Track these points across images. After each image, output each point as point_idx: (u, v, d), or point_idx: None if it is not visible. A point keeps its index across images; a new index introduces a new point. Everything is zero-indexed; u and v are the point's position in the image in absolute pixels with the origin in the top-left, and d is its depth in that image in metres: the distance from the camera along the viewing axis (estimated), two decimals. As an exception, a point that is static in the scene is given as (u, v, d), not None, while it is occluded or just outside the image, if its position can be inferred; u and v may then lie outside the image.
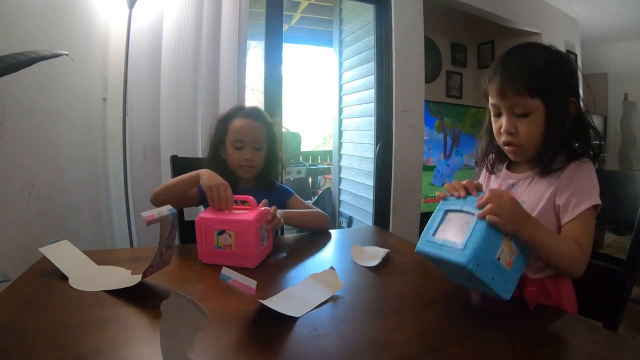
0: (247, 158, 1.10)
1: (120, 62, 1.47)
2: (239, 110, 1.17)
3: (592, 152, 0.73)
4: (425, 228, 0.67)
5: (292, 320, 0.59)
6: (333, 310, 0.64)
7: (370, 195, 2.35)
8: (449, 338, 0.55)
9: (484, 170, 0.88)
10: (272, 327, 0.57)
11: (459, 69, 3.25)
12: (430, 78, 2.99)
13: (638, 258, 0.77)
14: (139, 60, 1.50)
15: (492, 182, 0.86)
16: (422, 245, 0.65)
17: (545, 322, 0.61)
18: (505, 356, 0.52)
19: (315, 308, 0.63)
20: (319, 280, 0.73)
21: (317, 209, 1.16)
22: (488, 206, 0.61)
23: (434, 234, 0.65)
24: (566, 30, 3.29)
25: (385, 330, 0.58)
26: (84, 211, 1.34)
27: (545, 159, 0.72)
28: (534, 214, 0.73)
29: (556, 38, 3.13)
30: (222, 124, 1.15)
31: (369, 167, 2.35)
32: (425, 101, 2.30)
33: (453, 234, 0.62)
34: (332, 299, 0.67)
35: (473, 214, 0.62)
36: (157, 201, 0.99)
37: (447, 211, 0.67)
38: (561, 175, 0.72)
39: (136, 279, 0.70)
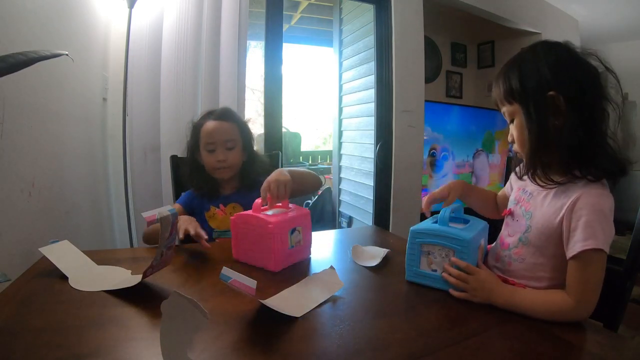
0: (220, 159, 1.11)
1: (120, 62, 1.47)
2: (209, 114, 1.17)
3: (595, 164, 0.64)
4: (408, 260, 0.75)
5: (292, 320, 0.59)
6: (333, 310, 0.64)
7: (370, 195, 2.35)
8: (449, 338, 0.55)
9: (513, 173, 0.84)
10: (272, 327, 0.57)
11: (459, 69, 3.24)
12: (430, 78, 2.99)
13: (638, 258, 0.77)
14: (139, 60, 1.50)
15: (515, 184, 0.82)
16: (412, 277, 0.75)
17: (545, 322, 0.60)
18: (506, 356, 0.52)
19: (315, 308, 0.63)
20: (319, 280, 0.73)
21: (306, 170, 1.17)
22: (459, 283, 0.67)
23: (419, 267, 0.74)
24: (566, 30, 3.29)
25: (385, 330, 0.58)
26: (84, 211, 1.34)
27: (530, 162, 0.68)
28: (539, 233, 0.68)
29: (556, 38, 3.07)
30: (195, 130, 1.16)
31: (369, 167, 2.35)
32: (425, 101, 2.30)
33: (437, 265, 0.72)
34: (332, 299, 0.67)
35: (450, 248, 0.70)
36: (150, 243, 1.07)
37: (422, 243, 0.73)
38: (572, 200, 0.63)
39: (136, 279, 0.70)
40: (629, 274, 0.77)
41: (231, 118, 1.17)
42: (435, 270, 0.72)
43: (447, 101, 3.11)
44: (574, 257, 0.61)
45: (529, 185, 0.75)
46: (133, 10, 1.43)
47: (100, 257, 0.84)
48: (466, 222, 0.77)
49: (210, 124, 1.13)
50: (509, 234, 0.76)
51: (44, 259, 0.78)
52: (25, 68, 0.61)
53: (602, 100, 0.65)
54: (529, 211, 0.72)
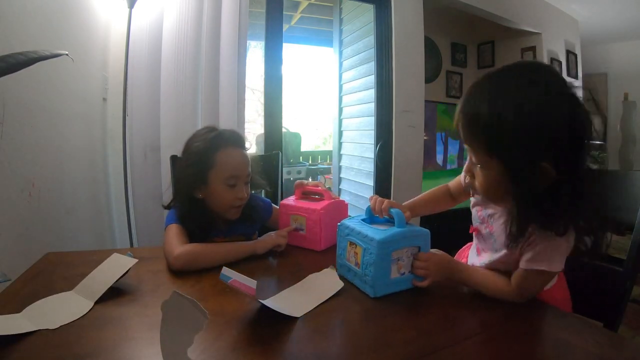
0: (241, 197, 0.93)
1: (120, 62, 1.47)
2: (220, 136, 0.94)
3: (587, 232, 0.60)
4: (376, 274, 0.69)
5: (292, 320, 0.59)
6: (333, 310, 0.64)
7: (370, 195, 2.35)
8: (449, 338, 0.55)
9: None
10: (272, 327, 0.57)
11: (459, 69, 3.24)
12: (430, 78, 2.99)
13: (638, 258, 0.77)
14: (139, 60, 1.50)
15: (473, 200, 0.79)
16: (383, 290, 0.69)
17: (545, 322, 0.61)
18: (505, 356, 0.52)
19: (315, 308, 0.63)
20: (319, 280, 0.73)
21: None
22: (424, 272, 0.70)
23: (390, 276, 0.70)
24: (566, 30, 3.29)
25: (386, 330, 0.58)
26: (84, 211, 1.33)
27: (513, 230, 0.61)
28: (502, 252, 0.69)
29: (556, 38, 3.13)
30: (204, 156, 0.91)
31: (369, 167, 2.35)
32: (425, 101, 2.30)
33: (405, 268, 0.72)
34: (332, 299, 0.67)
35: (415, 246, 0.72)
36: (191, 268, 0.79)
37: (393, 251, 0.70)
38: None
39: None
40: (629, 274, 0.77)
41: (245, 145, 0.98)
42: (404, 273, 0.71)
43: (447, 101, 3.11)
44: (527, 270, 0.64)
45: (489, 207, 0.74)
46: (133, 10, 1.43)
47: (100, 257, 0.84)
48: (388, 220, 0.77)
49: (234, 152, 0.93)
50: (483, 249, 0.78)
51: (44, 258, 0.78)
52: (25, 68, 0.61)
53: (588, 156, 0.58)
54: (492, 234, 0.73)
